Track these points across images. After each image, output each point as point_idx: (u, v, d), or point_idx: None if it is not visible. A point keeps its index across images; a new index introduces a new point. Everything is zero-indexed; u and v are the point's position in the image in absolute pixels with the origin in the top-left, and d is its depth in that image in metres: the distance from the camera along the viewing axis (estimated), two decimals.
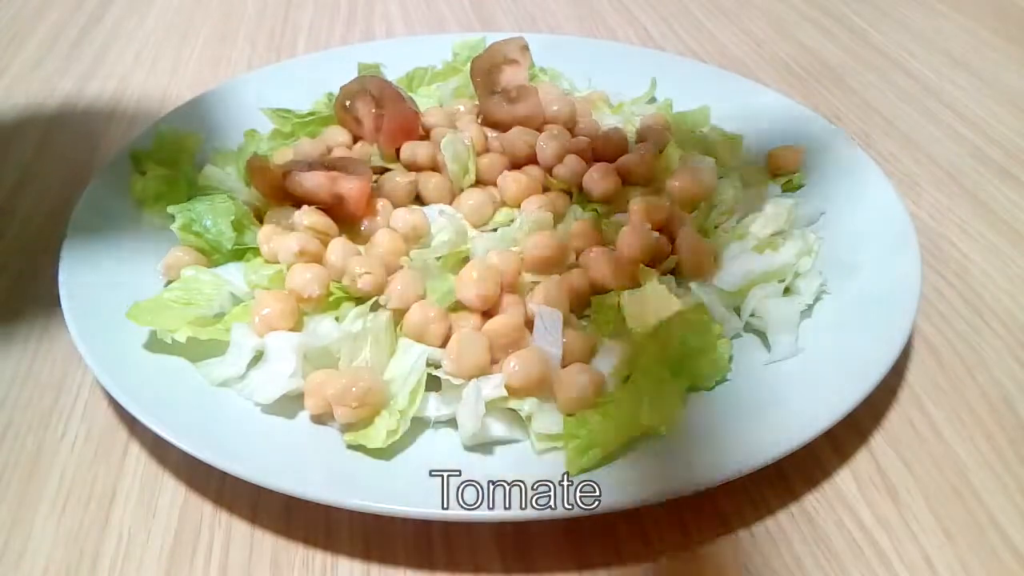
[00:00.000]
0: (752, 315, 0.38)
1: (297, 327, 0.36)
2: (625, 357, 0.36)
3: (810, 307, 0.39)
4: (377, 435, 0.32)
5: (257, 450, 0.32)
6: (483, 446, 0.33)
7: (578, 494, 0.30)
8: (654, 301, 0.37)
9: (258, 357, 0.36)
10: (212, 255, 0.41)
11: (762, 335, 0.38)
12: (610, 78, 0.57)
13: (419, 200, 0.45)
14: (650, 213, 0.42)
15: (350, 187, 0.41)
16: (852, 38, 0.70)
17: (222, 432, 0.33)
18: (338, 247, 0.38)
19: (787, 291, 0.39)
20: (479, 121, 0.50)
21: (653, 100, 0.56)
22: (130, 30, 0.71)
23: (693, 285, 0.40)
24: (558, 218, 0.43)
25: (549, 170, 0.46)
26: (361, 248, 0.40)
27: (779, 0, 0.77)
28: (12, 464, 0.34)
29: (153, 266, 0.40)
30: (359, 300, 0.37)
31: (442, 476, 0.31)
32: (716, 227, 0.44)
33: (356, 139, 0.49)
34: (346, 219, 0.42)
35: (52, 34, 0.70)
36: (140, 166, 0.46)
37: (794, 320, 0.37)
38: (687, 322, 0.35)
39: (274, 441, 0.33)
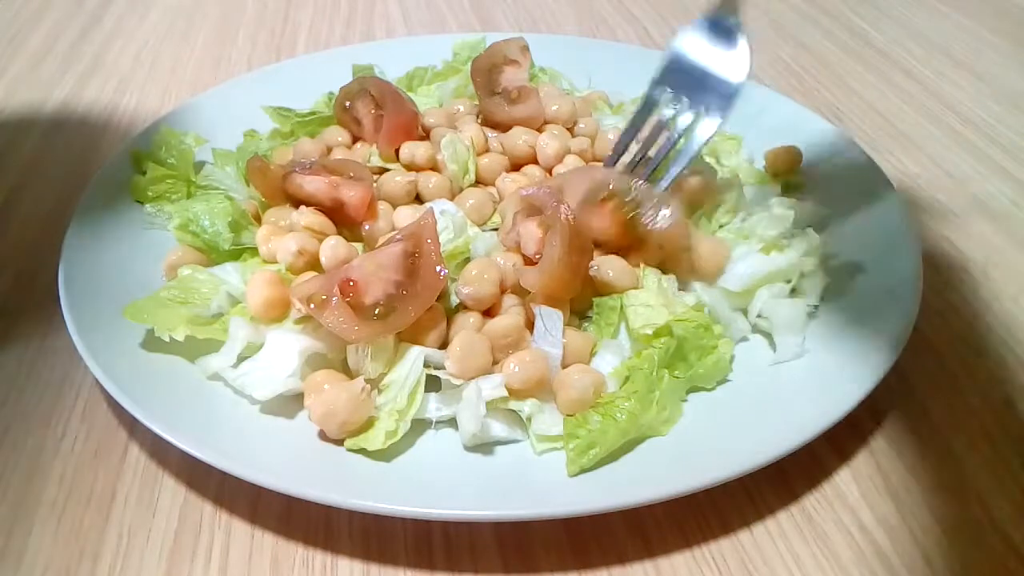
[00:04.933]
0: (759, 316, 0.38)
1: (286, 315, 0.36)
2: (626, 358, 0.36)
3: (816, 308, 0.39)
4: (376, 437, 0.32)
5: (257, 450, 0.32)
6: (483, 446, 0.33)
7: (578, 494, 0.31)
8: (657, 303, 0.37)
9: (252, 349, 0.36)
10: (210, 255, 0.41)
11: (768, 336, 0.38)
12: (610, 78, 0.57)
13: (419, 200, 0.45)
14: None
15: (352, 194, 0.41)
16: (852, 38, 0.70)
17: (222, 432, 0.33)
18: (331, 245, 0.38)
19: (793, 291, 0.39)
20: (479, 121, 0.50)
21: None
22: (130, 30, 0.71)
23: (697, 286, 0.39)
24: None
25: (549, 170, 0.46)
26: (358, 246, 0.40)
27: (779, 0, 0.77)
28: (12, 464, 0.34)
29: (153, 266, 0.40)
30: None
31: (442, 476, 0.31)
32: (721, 226, 0.44)
33: (356, 139, 0.50)
34: (346, 222, 0.42)
35: (52, 34, 0.70)
36: (140, 166, 0.46)
37: (800, 321, 0.37)
38: (688, 324, 0.35)
39: (274, 441, 0.33)
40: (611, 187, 0.39)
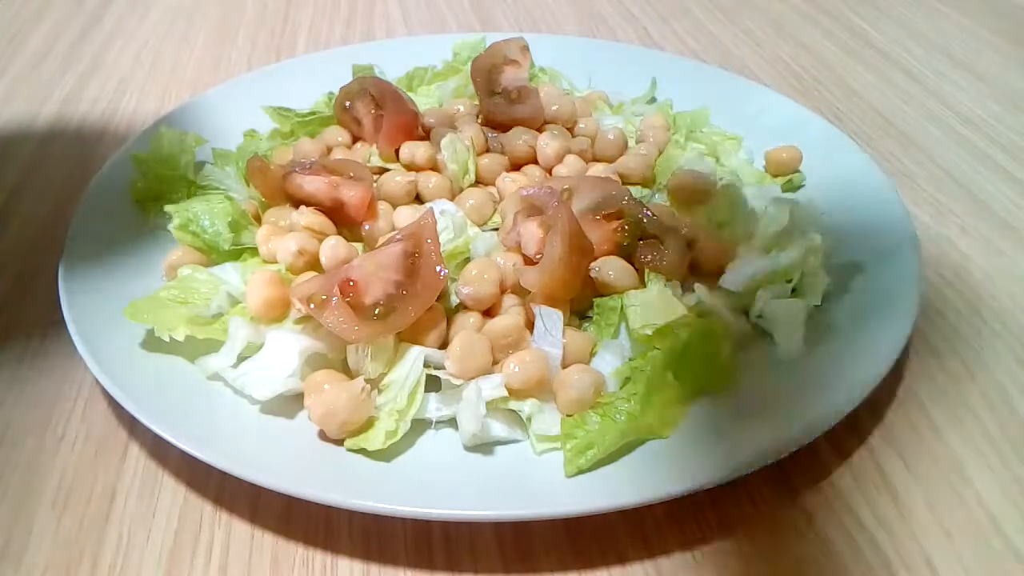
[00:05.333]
0: (760, 316, 0.38)
1: (285, 314, 0.36)
2: (626, 358, 0.36)
3: (818, 308, 0.39)
4: (376, 437, 0.32)
5: (257, 450, 0.32)
6: (483, 446, 0.33)
7: (578, 494, 0.31)
8: (657, 303, 0.37)
9: (252, 349, 0.36)
10: (210, 255, 0.41)
11: (769, 335, 0.38)
12: (610, 78, 0.57)
13: (419, 200, 0.45)
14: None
15: (351, 194, 0.41)
16: (852, 38, 0.70)
17: (222, 432, 0.33)
18: (331, 245, 0.38)
19: (795, 291, 0.39)
20: (479, 121, 0.50)
21: (653, 100, 0.56)
22: (130, 30, 0.71)
23: (697, 287, 0.39)
24: None
25: (549, 170, 0.46)
26: (358, 246, 0.40)
27: (779, 0, 0.77)
28: (12, 464, 0.34)
29: (153, 266, 0.40)
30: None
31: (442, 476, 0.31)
32: (721, 226, 0.44)
33: (356, 139, 0.50)
34: (346, 222, 0.42)
35: (52, 34, 0.70)
36: (140, 166, 0.46)
37: (801, 321, 0.37)
38: (693, 327, 0.35)
39: (274, 441, 0.33)
40: (621, 205, 0.39)
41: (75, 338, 0.35)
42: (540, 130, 0.48)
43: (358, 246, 0.40)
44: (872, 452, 0.35)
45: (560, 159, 0.46)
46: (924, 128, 0.58)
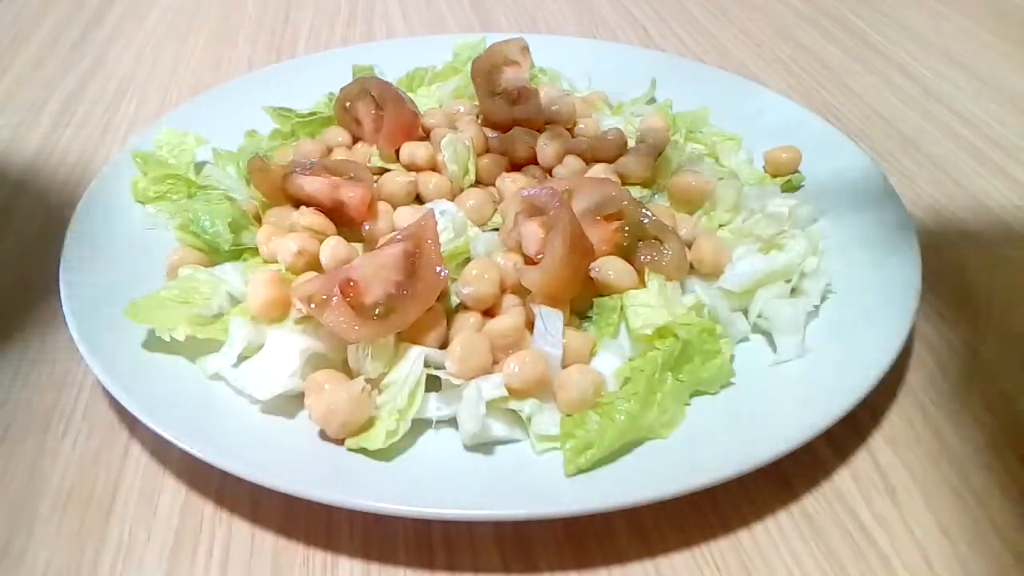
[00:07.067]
0: (759, 316, 0.38)
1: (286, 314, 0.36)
2: (626, 358, 0.36)
3: (817, 308, 0.39)
4: (377, 436, 0.32)
5: (257, 449, 0.32)
6: (483, 446, 0.33)
7: (578, 494, 0.31)
8: (657, 303, 0.37)
9: (253, 349, 0.36)
10: (211, 255, 0.41)
11: (768, 336, 0.38)
12: (610, 79, 0.57)
13: (419, 200, 0.45)
14: None
15: (352, 195, 0.41)
16: (851, 39, 0.71)
17: (222, 431, 0.33)
18: (331, 245, 0.38)
19: (794, 291, 0.39)
20: (479, 122, 0.50)
21: (653, 101, 0.56)
22: (131, 30, 0.71)
23: (697, 287, 0.40)
24: None
25: (549, 171, 0.47)
26: (358, 247, 0.40)
27: (779, 1, 0.77)
28: (13, 464, 0.34)
29: (154, 266, 0.40)
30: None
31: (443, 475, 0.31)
32: (721, 226, 0.44)
33: (356, 140, 0.50)
34: (346, 222, 0.42)
35: (53, 34, 0.70)
36: (141, 166, 0.46)
37: (800, 321, 0.37)
38: (692, 327, 0.35)
39: (274, 440, 0.33)
40: (621, 206, 0.39)
41: (76, 338, 0.35)
42: (540, 130, 0.48)
43: (358, 246, 0.41)
44: (871, 452, 0.35)
45: (560, 159, 0.46)
46: (923, 129, 0.58)
